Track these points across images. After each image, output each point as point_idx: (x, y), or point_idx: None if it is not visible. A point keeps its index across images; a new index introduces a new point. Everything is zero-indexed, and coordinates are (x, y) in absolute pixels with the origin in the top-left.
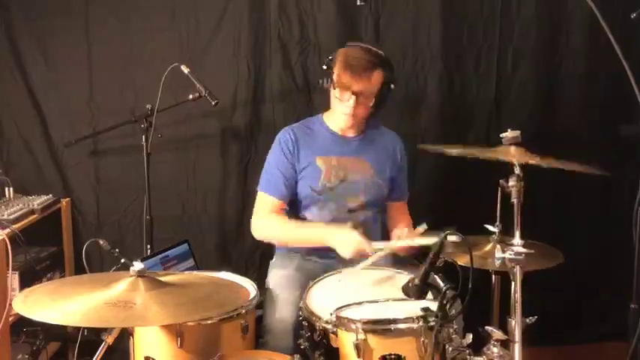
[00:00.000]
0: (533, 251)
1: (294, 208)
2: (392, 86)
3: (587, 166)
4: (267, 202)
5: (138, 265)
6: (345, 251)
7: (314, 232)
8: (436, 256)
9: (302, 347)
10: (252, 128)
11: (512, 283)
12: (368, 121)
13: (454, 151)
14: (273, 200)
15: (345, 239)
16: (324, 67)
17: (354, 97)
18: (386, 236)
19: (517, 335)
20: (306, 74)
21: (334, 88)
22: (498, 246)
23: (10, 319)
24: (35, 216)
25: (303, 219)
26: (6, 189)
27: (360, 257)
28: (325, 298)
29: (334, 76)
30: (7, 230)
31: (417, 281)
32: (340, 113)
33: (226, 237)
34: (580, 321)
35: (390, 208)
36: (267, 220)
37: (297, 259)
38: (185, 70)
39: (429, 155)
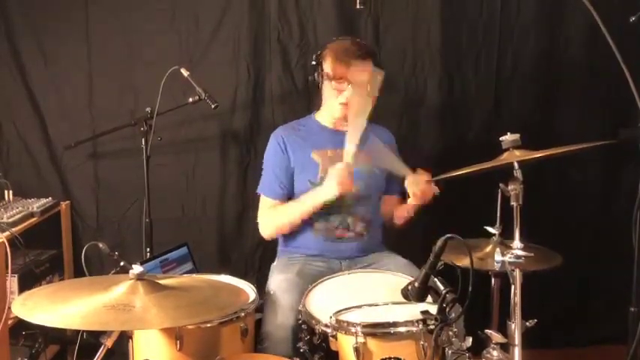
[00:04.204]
0: (532, 254)
1: None
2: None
3: (588, 145)
4: (268, 204)
5: (137, 268)
6: (332, 189)
7: (308, 199)
8: (436, 258)
9: (301, 351)
10: (252, 131)
11: (512, 287)
12: None
13: (460, 172)
14: (273, 202)
15: (328, 180)
16: (313, 62)
17: (350, 86)
18: (385, 232)
19: (517, 338)
20: (306, 76)
21: (330, 81)
22: (498, 249)
23: (9, 322)
24: (35, 219)
25: None
26: (5, 192)
27: (348, 186)
28: (325, 302)
29: (329, 70)
30: (7, 233)
31: (416, 284)
32: (336, 104)
33: (226, 240)
34: (580, 324)
35: (385, 201)
36: (267, 216)
37: (299, 264)
38: (185, 73)
39: (428, 155)
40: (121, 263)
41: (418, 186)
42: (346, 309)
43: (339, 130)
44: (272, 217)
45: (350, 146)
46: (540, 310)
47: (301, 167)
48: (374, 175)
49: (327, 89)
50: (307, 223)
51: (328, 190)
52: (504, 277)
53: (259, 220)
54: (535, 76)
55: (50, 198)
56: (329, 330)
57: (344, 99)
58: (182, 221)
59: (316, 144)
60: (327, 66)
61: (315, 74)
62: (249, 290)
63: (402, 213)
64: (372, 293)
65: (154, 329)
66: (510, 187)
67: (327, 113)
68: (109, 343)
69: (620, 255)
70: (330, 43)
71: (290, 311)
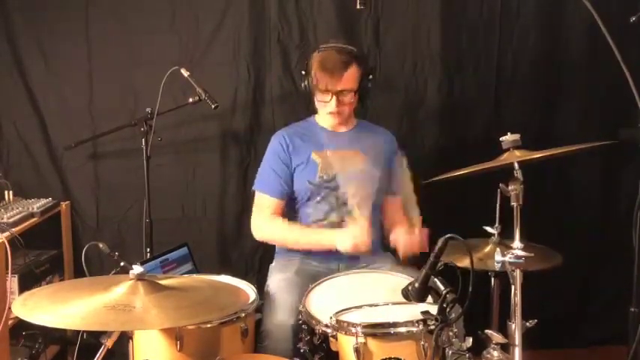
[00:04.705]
0: (532, 254)
1: (292, 205)
2: (370, 77)
3: (589, 146)
4: (265, 202)
5: (137, 269)
6: (344, 244)
7: (316, 234)
8: (436, 259)
9: (301, 351)
10: (252, 131)
11: (512, 287)
12: (357, 117)
13: (458, 173)
14: (271, 199)
15: (345, 233)
16: (303, 72)
17: (334, 97)
18: (383, 232)
19: (517, 339)
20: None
21: (314, 93)
22: (498, 249)
23: (10, 322)
24: (35, 219)
25: (302, 214)
26: (6, 192)
27: (359, 251)
28: (325, 302)
29: (313, 80)
30: (7, 233)
31: (417, 284)
32: (325, 114)
33: (226, 240)
34: (580, 324)
35: (385, 202)
36: (268, 222)
37: (297, 263)
38: (185, 73)
39: (429, 156)
40: (121, 263)
41: (402, 240)
42: (346, 309)
43: (338, 132)
44: (270, 228)
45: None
46: (540, 310)
47: (301, 167)
48: (372, 175)
49: (316, 99)
50: (305, 224)
51: (340, 244)
52: (504, 278)
53: (253, 218)
54: (535, 77)
55: (50, 198)
56: (329, 330)
57: (331, 109)
58: (182, 221)
59: (316, 144)
60: (313, 76)
61: (306, 82)
62: (250, 290)
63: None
64: (372, 293)
65: (154, 329)
66: (510, 187)
67: (323, 118)
68: (109, 343)
69: (620, 255)
70: (316, 51)
71: (289, 309)
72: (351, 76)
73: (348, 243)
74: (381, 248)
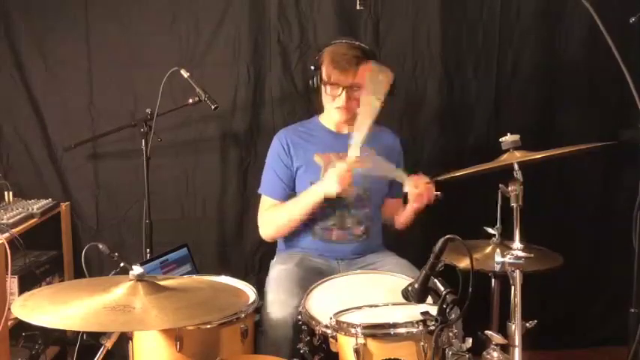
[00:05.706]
0: (532, 255)
1: None
2: None
3: (589, 146)
4: (269, 204)
5: (137, 269)
6: (331, 186)
7: (305, 196)
8: (436, 259)
9: (301, 352)
10: (252, 132)
11: (512, 287)
12: None
13: (462, 173)
14: (273, 202)
15: (327, 178)
16: (312, 67)
17: (344, 92)
18: (385, 232)
19: (517, 339)
20: (306, 78)
21: (325, 86)
22: (498, 250)
23: (9, 323)
24: (34, 220)
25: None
26: (5, 193)
27: (347, 185)
28: (325, 303)
29: (323, 75)
30: (7, 234)
31: (416, 285)
32: (333, 109)
33: (225, 241)
34: (580, 325)
35: (386, 203)
36: (267, 214)
37: (298, 258)
38: (185, 74)
39: (429, 157)
40: (121, 264)
41: (417, 188)
42: (346, 310)
43: (342, 134)
44: (272, 217)
45: (355, 146)
46: (540, 311)
47: (304, 168)
48: (376, 179)
49: (324, 93)
50: (306, 225)
51: (327, 187)
52: (504, 278)
53: (259, 220)
54: (535, 77)
55: (50, 199)
56: (329, 331)
57: (340, 103)
58: (182, 222)
59: (319, 147)
60: (324, 71)
61: (315, 78)
62: (249, 291)
63: (402, 219)
64: (372, 294)
65: (153, 330)
66: (510, 187)
67: (329, 116)
68: (108, 344)
69: (620, 255)
70: (328, 46)
71: (289, 296)
72: (362, 73)
73: (333, 183)
74: (382, 248)
